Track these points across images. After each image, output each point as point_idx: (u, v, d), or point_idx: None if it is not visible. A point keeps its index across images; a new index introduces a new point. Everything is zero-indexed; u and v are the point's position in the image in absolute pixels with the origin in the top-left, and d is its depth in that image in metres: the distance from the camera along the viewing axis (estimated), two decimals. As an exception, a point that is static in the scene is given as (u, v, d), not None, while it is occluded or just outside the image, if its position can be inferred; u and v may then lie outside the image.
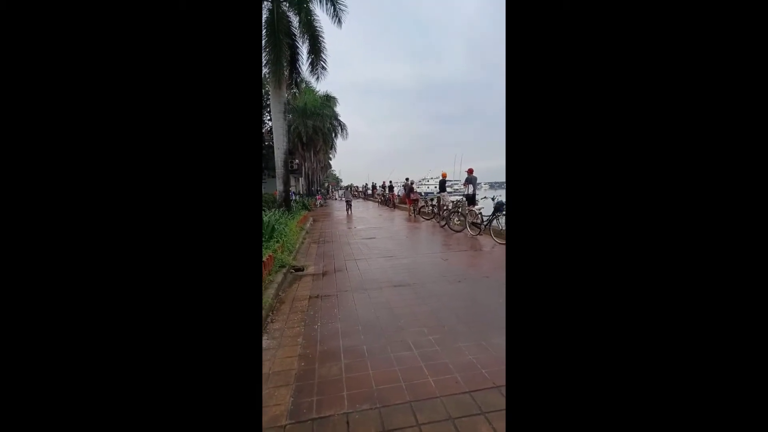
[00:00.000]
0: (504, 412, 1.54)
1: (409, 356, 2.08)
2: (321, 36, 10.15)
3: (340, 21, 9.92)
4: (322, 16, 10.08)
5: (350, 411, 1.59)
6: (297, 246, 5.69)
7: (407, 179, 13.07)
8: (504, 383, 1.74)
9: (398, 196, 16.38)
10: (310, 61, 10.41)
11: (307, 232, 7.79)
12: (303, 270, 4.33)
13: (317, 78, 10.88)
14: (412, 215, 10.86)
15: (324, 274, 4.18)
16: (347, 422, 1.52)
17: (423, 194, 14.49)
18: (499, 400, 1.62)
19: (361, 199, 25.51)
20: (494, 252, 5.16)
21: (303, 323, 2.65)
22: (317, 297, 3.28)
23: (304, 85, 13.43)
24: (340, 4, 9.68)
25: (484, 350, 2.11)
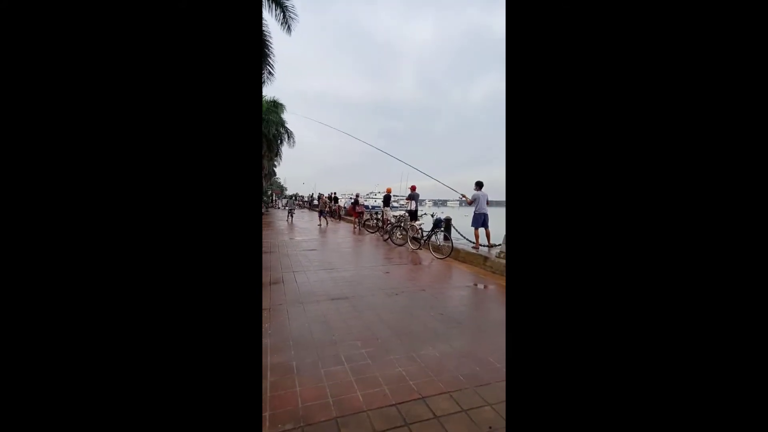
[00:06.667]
0: (428, 422, 1.59)
1: (340, 371, 2.05)
2: (268, 40, 9.91)
3: (289, 28, 9.80)
4: (270, 20, 9.83)
5: (271, 433, 1.51)
6: (230, 257, 5.31)
7: (357, 195, 13.25)
8: (428, 394, 1.82)
9: (344, 208, 16.33)
10: (256, 64, 10.05)
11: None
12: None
13: (262, 82, 10.52)
14: (357, 228, 10.87)
15: (258, 287, 3.95)
16: (267, 445, 1.43)
17: (370, 207, 14.64)
18: (423, 411, 1.67)
19: (306, 210, 24.84)
20: (432, 266, 5.38)
21: (228, 340, 2.46)
22: (248, 312, 3.08)
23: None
24: (290, 12, 9.60)
25: (413, 362, 2.17)
